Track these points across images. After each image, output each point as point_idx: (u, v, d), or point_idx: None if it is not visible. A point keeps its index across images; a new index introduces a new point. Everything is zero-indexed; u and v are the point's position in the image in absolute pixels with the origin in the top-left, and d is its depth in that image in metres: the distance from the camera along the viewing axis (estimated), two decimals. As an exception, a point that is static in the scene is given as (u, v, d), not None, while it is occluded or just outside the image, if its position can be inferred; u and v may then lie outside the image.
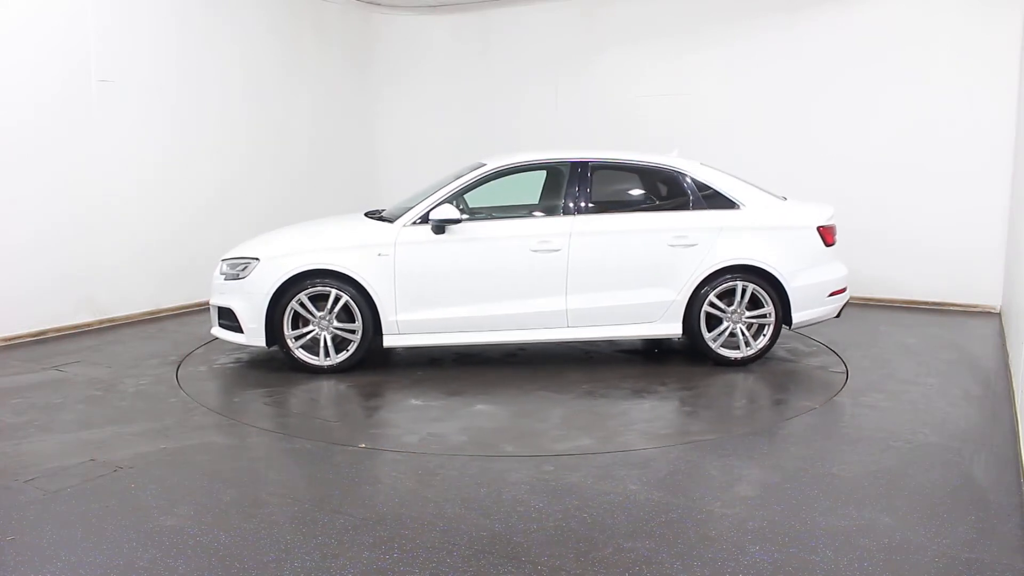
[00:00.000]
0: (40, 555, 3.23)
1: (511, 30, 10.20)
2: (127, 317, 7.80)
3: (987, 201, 7.94)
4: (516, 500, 3.73)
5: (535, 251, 5.83)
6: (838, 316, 6.24)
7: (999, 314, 7.88)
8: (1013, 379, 5.33)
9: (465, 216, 5.89)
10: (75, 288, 7.34)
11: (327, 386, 5.67)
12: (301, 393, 5.54)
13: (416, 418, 5.05)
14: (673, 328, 5.95)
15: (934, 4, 8.03)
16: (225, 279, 5.96)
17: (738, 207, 6.00)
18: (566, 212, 5.97)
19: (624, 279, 5.90)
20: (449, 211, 5.77)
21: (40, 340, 6.96)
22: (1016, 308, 5.90)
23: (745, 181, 6.22)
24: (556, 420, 4.91)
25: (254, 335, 5.82)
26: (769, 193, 6.23)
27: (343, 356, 5.85)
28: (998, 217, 7.89)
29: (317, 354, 5.84)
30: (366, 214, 6.44)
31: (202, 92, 8.40)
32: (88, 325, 7.44)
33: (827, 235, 6.07)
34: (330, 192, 10.07)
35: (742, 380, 5.77)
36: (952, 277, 8.18)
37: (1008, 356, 6.16)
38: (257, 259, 5.88)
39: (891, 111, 8.28)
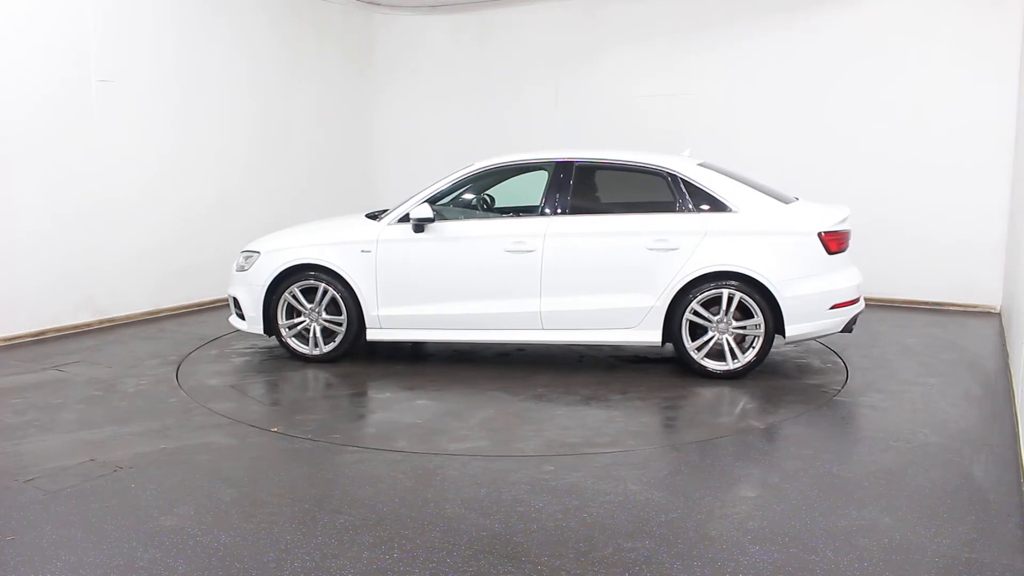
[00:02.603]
0: (40, 555, 3.23)
1: (511, 30, 10.20)
2: (127, 317, 7.80)
3: (987, 201, 7.93)
4: (516, 500, 3.73)
5: (509, 251, 5.80)
6: (849, 331, 5.73)
7: (999, 314, 7.88)
8: (1013, 379, 5.33)
9: (438, 215, 5.98)
10: (75, 288, 7.34)
11: (301, 375, 5.99)
12: (276, 380, 5.84)
13: (351, 409, 5.31)
14: (652, 335, 5.68)
15: (934, 1, 8.03)
16: (236, 270, 6.40)
17: (730, 210, 5.64)
18: (544, 213, 5.89)
19: (599, 282, 5.71)
20: (425, 210, 5.87)
21: (40, 340, 6.96)
22: (1016, 308, 5.89)
23: (746, 183, 5.84)
24: (476, 421, 4.90)
25: (254, 323, 6.23)
26: (771, 196, 5.82)
27: (330, 347, 6.15)
28: (998, 217, 7.89)
29: (308, 344, 6.18)
30: (367, 215, 6.48)
31: (202, 92, 8.40)
32: (88, 325, 7.44)
33: (831, 242, 5.58)
34: (331, 192, 10.07)
35: (715, 391, 5.46)
36: (952, 277, 8.18)
37: (1008, 356, 6.16)
38: (258, 252, 6.29)
39: (891, 109, 8.28)
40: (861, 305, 5.80)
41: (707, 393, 5.46)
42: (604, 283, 5.71)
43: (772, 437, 4.65)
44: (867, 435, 4.67)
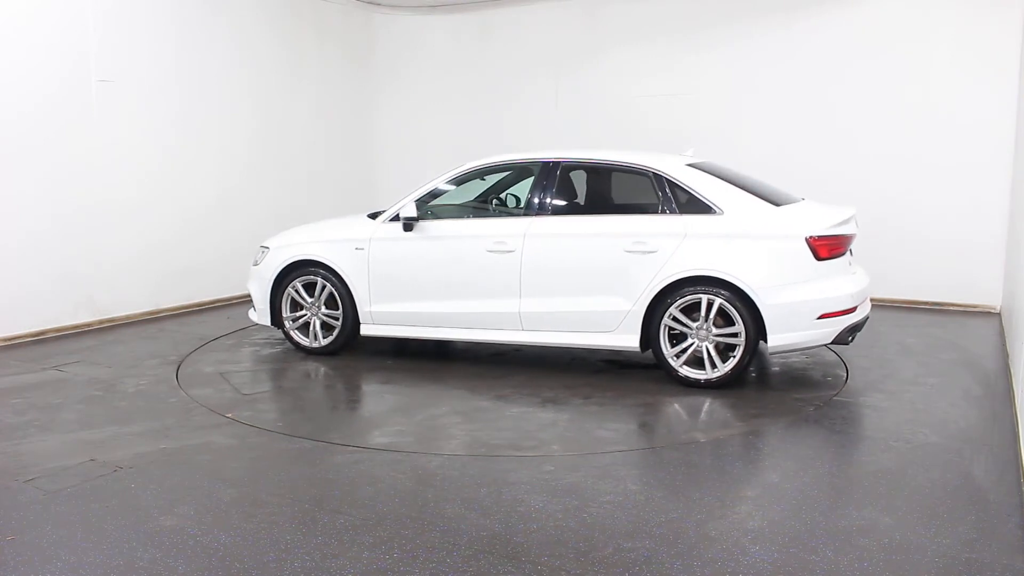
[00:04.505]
0: (40, 555, 3.23)
1: (511, 30, 10.20)
2: (127, 317, 7.79)
3: (987, 201, 7.93)
4: (516, 500, 3.73)
5: (490, 251, 5.80)
6: (844, 342, 5.41)
7: (999, 314, 7.88)
8: (1013, 379, 5.33)
9: (431, 215, 6.12)
10: (75, 288, 7.33)
11: (295, 367, 6.25)
12: (267, 371, 6.13)
13: (315, 401, 5.52)
14: (630, 340, 5.50)
15: (934, 1, 8.03)
16: (253, 264, 6.67)
17: (714, 212, 5.39)
18: (526, 213, 5.89)
19: (576, 284, 5.60)
20: (410, 209, 5.99)
21: (40, 340, 6.96)
22: (1016, 308, 5.89)
23: (737, 184, 5.60)
24: (421, 417, 4.97)
25: (263, 315, 6.53)
26: (762, 197, 5.52)
27: (327, 340, 6.36)
28: (998, 217, 7.89)
29: (309, 337, 6.43)
30: (368, 215, 6.55)
31: (202, 92, 8.40)
32: (88, 325, 7.43)
33: (820, 247, 5.22)
34: (331, 192, 10.06)
35: (685, 400, 5.24)
36: (952, 277, 8.17)
37: (1008, 356, 6.16)
38: (268, 248, 6.56)
39: (891, 109, 8.26)
40: (858, 315, 5.44)
41: (675, 401, 5.26)
42: (581, 285, 5.61)
43: (771, 437, 4.65)
44: (867, 435, 4.67)
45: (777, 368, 6.05)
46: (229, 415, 4.99)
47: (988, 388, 5.52)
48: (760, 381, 5.75)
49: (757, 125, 8.90)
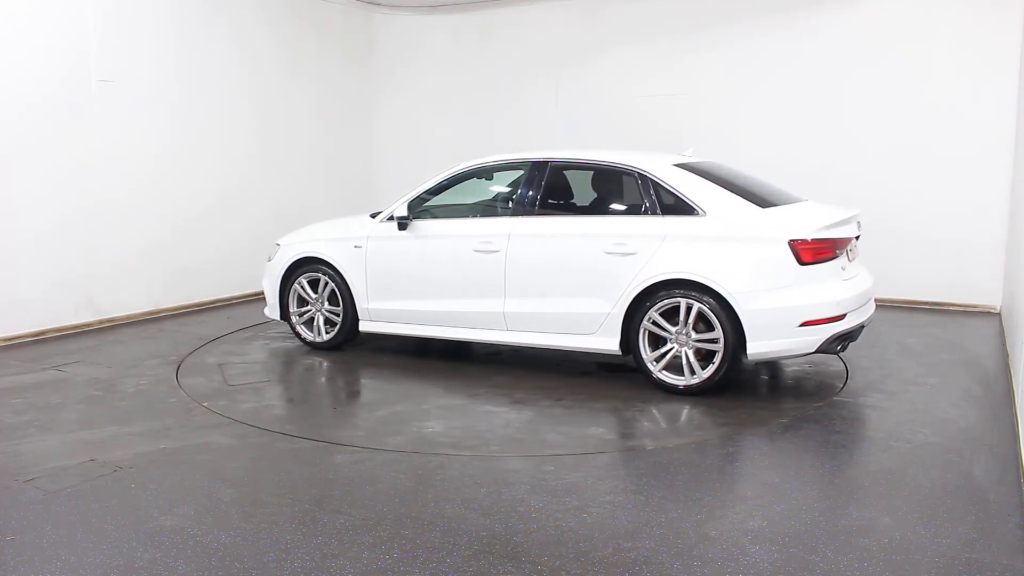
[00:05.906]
0: (40, 555, 3.23)
1: (511, 30, 10.20)
2: (127, 317, 7.79)
3: (987, 201, 7.92)
4: (516, 500, 3.73)
5: (477, 251, 5.83)
6: (834, 352, 5.22)
7: (999, 314, 7.87)
8: (1013, 379, 5.32)
9: (427, 214, 6.20)
10: (75, 288, 7.33)
11: (296, 360, 6.46)
12: (266, 364, 6.30)
13: (295, 394, 5.67)
14: (610, 343, 5.42)
15: (934, 1, 8.03)
16: (267, 261, 6.86)
17: (697, 213, 5.24)
18: (513, 213, 5.88)
19: (558, 285, 5.56)
20: (401, 209, 6.14)
21: (40, 340, 6.96)
22: (1016, 308, 5.89)
23: (726, 185, 5.43)
24: (384, 413, 5.06)
25: (272, 310, 6.75)
26: (748, 199, 5.33)
27: (330, 335, 6.51)
28: (998, 217, 7.88)
29: (312, 331, 6.63)
30: (371, 214, 6.58)
31: (202, 93, 8.40)
32: (88, 325, 7.43)
33: (804, 251, 4.97)
34: (331, 192, 10.06)
35: (662, 406, 5.12)
36: (952, 277, 8.17)
37: (1008, 356, 6.16)
38: (279, 245, 6.77)
39: (890, 108, 8.26)
40: (848, 323, 5.14)
41: (647, 406, 5.13)
42: (563, 286, 5.56)
43: (771, 437, 4.65)
44: (867, 435, 4.67)
45: (774, 373, 6.05)
46: (205, 404, 5.13)
47: (988, 388, 5.52)
48: (747, 385, 5.75)
49: (757, 125, 8.90)
